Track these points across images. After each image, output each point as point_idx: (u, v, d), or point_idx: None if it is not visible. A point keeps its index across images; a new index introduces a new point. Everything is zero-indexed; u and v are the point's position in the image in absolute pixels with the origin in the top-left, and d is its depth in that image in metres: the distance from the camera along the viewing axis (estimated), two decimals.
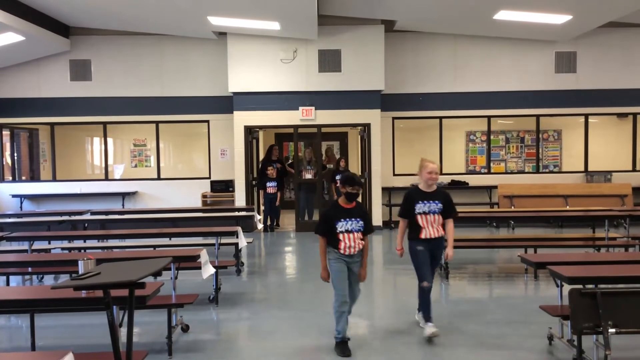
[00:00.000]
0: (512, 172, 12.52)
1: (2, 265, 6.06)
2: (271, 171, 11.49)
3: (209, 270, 5.44)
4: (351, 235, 4.60)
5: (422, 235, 4.98)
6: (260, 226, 9.34)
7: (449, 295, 6.68)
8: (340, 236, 4.59)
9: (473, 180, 12.16)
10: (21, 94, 12.06)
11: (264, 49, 11.37)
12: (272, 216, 11.77)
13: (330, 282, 4.69)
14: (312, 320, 5.61)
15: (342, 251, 4.60)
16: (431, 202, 5.00)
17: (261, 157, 12.72)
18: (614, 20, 10.92)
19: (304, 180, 11.79)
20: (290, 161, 12.98)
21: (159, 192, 12.18)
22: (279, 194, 11.65)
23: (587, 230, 9.56)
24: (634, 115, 12.22)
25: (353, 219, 4.61)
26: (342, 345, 4.62)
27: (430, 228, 4.99)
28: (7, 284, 6.84)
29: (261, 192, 11.76)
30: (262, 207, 11.94)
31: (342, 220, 4.59)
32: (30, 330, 4.57)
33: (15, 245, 8.17)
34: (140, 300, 3.71)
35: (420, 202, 4.99)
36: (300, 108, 11.45)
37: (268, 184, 11.51)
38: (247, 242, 7.50)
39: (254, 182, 11.93)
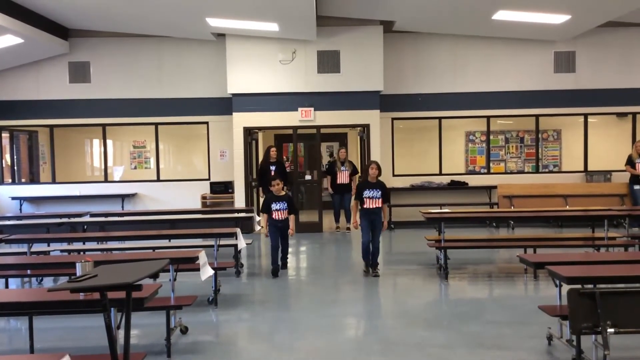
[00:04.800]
0: (511, 172, 12.51)
1: (1, 267, 6.05)
2: (277, 187, 7.69)
3: (207, 272, 5.43)
4: None
5: None
6: (258, 228, 9.25)
7: (448, 296, 6.67)
8: None
9: (473, 180, 12.15)
10: (20, 96, 12.06)
11: (262, 50, 11.37)
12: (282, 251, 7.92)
13: None
14: (311, 322, 5.61)
15: None
16: None
17: (260, 158, 12.29)
18: (613, 19, 10.92)
19: (339, 185, 11.31)
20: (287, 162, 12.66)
21: (159, 193, 12.18)
22: (292, 219, 7.78)
23: (586, 230, 9.53)
24: (633, 114, 12.20)
25: None
26: None
27: None
28: (6, 286, 6.82)
29: (264, 216, 7.76)
30: (266, 232, 7.79)
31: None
32: (29, 332, 4.57)
33: (14, 248, 8.19)
34: (138, 303, 3.71)
35: None
36: (300, 109, 11.45)
37: (274, 206, 7.66)
38: (247, 244, 7.50)
39: (253, 184, 11.88)
